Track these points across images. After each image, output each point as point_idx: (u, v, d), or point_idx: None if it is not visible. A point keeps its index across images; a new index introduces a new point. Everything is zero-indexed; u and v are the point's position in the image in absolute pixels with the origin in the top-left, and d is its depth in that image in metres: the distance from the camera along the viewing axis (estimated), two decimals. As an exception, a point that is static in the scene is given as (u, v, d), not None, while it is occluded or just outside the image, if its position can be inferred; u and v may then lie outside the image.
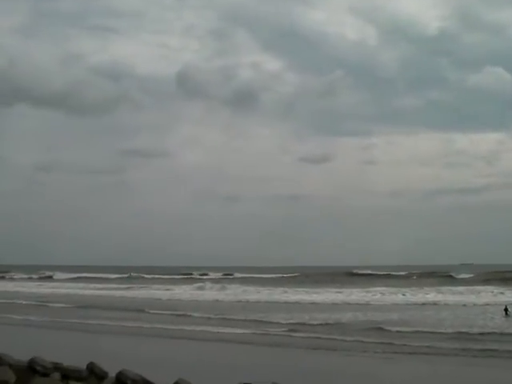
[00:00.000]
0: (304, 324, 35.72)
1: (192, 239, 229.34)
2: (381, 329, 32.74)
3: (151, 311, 43.60)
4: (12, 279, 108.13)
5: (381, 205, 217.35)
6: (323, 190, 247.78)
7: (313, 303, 49.67)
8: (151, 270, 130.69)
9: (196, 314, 41.37)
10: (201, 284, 77.98)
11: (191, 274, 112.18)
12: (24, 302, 51.98)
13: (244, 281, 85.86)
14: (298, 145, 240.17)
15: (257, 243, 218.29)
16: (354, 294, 56.45)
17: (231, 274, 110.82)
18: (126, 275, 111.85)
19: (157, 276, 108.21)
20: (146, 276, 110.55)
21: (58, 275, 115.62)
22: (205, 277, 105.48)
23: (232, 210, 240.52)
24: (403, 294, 56.27)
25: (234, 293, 60.71)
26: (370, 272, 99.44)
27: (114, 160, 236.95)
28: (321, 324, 35.80)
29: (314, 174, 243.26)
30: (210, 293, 63.83)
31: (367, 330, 32.79)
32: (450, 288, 60.29)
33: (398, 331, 31.79)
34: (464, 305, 46.58)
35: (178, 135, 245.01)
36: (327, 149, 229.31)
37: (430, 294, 55.35)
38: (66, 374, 11.84)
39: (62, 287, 76.77)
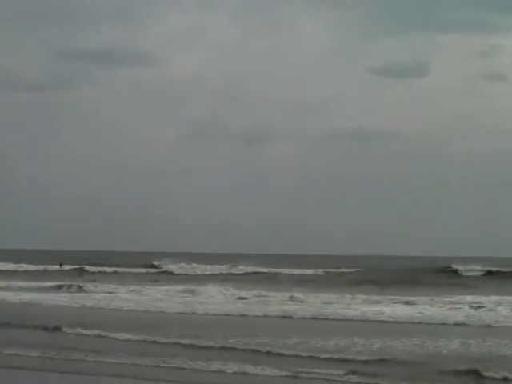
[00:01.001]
0: (384, 361, 19.18)
1: (179, 206, 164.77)
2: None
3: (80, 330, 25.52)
4: None
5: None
6: (410, 125, 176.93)
7: (395, 321, 31.23)
8: (106, 257, 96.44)
9: (185, 342, 23.12)
10: (193, 287, 47.04)
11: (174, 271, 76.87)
12: None
13: (268, 279, 61.41)
14: (367, 47, 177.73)
15: (288, 214, 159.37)
16: (461, 306, 35.52)
17: (236, 266, 77.89)
18: (56, 266, 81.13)
19: (111, 269, 75.69)
20: (90, 269, 77.18)
21: None
22: (203, 272, 74.99)
23: (253, 155, 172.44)
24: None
25: (249, 302, 39.55)
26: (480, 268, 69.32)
27: (53, 68, 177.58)
28: (408, 363, 19.05)
29: (394, 95, 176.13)
30: (209, 301, 39.73)
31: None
32: None
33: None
34: None
35: (165, 28, 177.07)
36: (418, 54, 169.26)
37: None
38: None
39: None
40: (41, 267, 79.88)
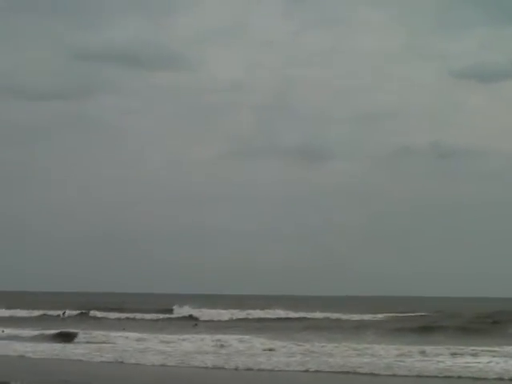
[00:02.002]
0: None
1: (209, 240, 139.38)
2: None
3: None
4: None
5: None
6: (501, 140, 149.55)
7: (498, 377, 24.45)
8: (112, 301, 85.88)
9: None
10: (222, 337, 39.22)
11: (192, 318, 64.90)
12: None
13: (325, 326, 51.48)
14: (444, 45, 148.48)
15: (346, 251, 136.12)
16: None
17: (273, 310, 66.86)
18: (60, 312, 71.41)
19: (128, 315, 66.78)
20: (98, 315, 68.11)
21: None
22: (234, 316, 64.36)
23: (306, 178, 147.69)
24: None
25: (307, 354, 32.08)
26: None
27: (68, 73, 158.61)
28: None
29: (480, 103, 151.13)
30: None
31: None
32: None
33: None
34: None
35: (198, 23, 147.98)
36: (510, 52, 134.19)
37: None
38: None
39: None
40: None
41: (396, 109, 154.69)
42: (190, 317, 66.19)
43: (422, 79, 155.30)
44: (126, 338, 41.21)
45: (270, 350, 34.31)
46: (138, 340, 39.89)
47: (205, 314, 67.03)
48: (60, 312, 72.41)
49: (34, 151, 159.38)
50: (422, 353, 31.18)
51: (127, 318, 65.43)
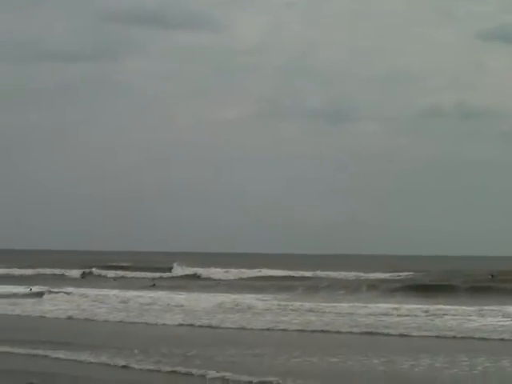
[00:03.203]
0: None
1: (238, 199, 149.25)
2: None
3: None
4: None
5: None
6: None
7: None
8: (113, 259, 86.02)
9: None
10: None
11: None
12: None
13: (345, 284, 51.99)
14: (471, 4, 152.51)
15: (372, 210, 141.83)
16: None
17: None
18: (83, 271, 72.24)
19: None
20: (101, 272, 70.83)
21: None
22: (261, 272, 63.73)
23: (331, 139, 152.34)
24: None
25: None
26: None
27: (95, 35, 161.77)
28: None
29: (507, 65, 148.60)
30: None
31: None
32: None
33: None
34: None
35: None
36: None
37: None
38: None
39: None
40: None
41: (421, 70, 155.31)
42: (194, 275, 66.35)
43: (447, 40, 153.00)
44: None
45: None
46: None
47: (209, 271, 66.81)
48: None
49: (60, 114, 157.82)
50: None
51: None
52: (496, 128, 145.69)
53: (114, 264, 78.22)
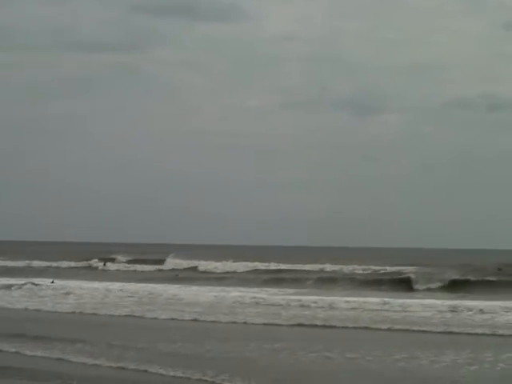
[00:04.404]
0: None
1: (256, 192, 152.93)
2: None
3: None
4: None
5: None
6: None
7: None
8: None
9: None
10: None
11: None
12: None
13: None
14: None
15: (398, 203, 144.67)
16: None
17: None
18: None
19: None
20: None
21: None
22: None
23: (358, 129, 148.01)
24: None
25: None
26: None
27: (126, 25, 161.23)
28: None
29: None
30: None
31: None
32: None
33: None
34: None
35: None
36: None
37: None
38: None
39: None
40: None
41: (446, 61, 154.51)
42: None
43: (472, 31, 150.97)
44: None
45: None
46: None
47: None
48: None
49: (89, 104, 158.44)
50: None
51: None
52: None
53: (113, 256, 76.49)
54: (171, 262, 67.54)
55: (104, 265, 70.24)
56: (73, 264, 69.87)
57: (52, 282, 44.69)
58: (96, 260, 71.73)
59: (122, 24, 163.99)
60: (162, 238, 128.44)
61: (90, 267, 68.09)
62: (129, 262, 72.64)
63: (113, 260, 73.50)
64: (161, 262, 68.54)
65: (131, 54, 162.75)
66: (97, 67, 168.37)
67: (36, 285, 41.70)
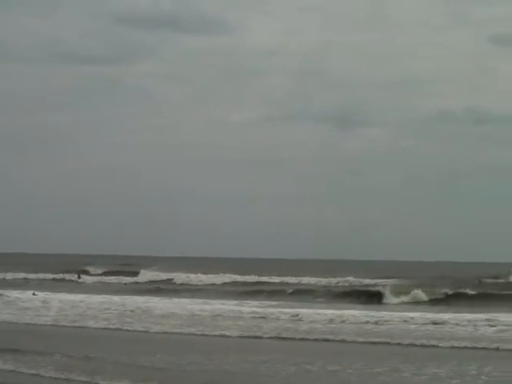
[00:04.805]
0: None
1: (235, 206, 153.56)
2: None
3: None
4: None
5: None
6: None
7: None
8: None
9: None
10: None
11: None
12: None
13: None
14: (483, 8, 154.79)
15: (381, 217, 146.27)
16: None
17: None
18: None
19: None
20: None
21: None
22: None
23: (341, 142, 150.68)
24: None
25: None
26: None
27: (110, 38, 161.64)
28: None
29: None
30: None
31: None
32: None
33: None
34: None
35: None
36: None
37: None
38: None
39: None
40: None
41: (432, 75, 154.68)
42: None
43: (458, 45, 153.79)
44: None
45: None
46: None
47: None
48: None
49: (72, 115, 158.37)
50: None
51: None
52: (507, 133, 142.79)
53: (86, 268, 77.25)
54: (147, 274, 67.90)
55: (78, 277, 70.24)
56: (50, 276, 69.38)
57: (34, 294, 44.20)
58: (72, 273, 71.48)
59: (107, 36, 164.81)
60: (140, 251, 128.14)
61: (63, 280, 67.37)
62: (105, 273, 72.77)
63: (86, 272, 73.59)
64: (136, 274, 69.01)
65: (116, 67, 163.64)
66: (81, 79, 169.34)
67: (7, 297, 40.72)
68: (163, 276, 66.14)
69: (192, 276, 63.59)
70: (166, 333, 25.73)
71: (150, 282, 62.16)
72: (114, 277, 69.09)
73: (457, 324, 26.84)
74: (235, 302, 39.77)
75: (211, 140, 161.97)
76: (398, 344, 22.27)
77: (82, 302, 37.52)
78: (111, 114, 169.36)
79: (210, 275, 63.67)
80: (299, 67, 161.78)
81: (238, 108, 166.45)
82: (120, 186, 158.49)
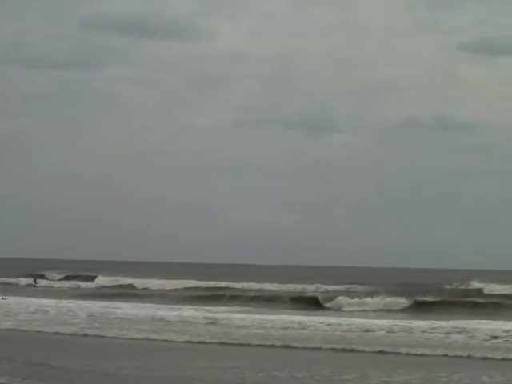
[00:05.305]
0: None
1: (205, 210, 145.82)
2: None
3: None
4: None
5: None
6: (507, 115, 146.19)
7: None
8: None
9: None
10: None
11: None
12: None
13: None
14: (452, 16, 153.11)
15: (348, 223, 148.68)
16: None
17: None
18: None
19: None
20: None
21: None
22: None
23: (309, 149, 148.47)
24: None
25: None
26: None
27: (76, 42, 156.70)
28: None
29: (487, 78, 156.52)
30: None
31: None
32: None
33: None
34: None
35: None
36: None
37: None
38: None
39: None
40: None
41: (399, 82, 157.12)
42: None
43: (425, 52, 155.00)
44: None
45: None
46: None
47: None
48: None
49: (39, 121, 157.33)
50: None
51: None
52: (474, 140, 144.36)
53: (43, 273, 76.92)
54: (105, 280, 67.66)
55: (34, 281, 69.88)
56: (4, 280, 67.78)
57: (2, 299, 43.52)
58: (27, 277, 70.90)
59: (73, 41, 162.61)
60: (105, 256, 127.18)
61: (17, 285, 66.39)
62: (65, 278, 72.34)
63: (44, 277, 72.98)
64: (92, 278, 68.89)
65: (83, 71, 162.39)
66: (48, 84, 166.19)
67: None
68: (126, 281, 65.35)
69: (153, 281, 63.12)
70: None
71: (104, 287, 61.88)
72: (70, 282, 68.98)
73: (423, 331, 26.94)
74: (215, 307, 39.62)
75: (180, 145, 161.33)
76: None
77: (61, 306, 36.76)
78: (79, 118, 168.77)
79: (172, 281, 63.38)
80: (268, 73, 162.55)
81: (205, 113, 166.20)
82: (89, 190, 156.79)
